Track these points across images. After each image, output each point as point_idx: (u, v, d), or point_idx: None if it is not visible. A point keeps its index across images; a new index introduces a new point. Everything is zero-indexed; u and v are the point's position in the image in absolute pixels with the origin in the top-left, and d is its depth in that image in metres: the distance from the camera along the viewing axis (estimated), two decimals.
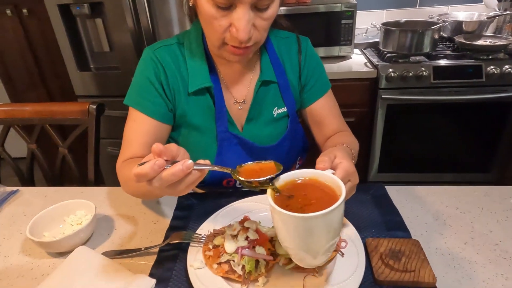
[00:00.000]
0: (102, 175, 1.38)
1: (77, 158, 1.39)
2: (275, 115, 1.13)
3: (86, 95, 2.56)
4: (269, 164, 0.75)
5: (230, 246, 0.80)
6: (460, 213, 0.98)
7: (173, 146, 0.68)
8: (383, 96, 2.29)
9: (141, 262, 0.90)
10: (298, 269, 0.81)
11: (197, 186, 1.20)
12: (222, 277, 0.80)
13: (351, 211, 0.98)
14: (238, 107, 1.11)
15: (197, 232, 0.93)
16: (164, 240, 0.92)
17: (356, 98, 2.39)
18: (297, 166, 1.24)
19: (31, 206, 1.16)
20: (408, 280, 0.76)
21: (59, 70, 2.67)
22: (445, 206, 1.01)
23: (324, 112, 1.18)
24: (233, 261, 0.80)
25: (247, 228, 0.83)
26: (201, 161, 0.68)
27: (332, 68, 2.35)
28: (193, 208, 1.07)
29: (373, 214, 0.97)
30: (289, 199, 0.68)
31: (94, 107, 1.31)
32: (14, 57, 2.74)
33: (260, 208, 1.01)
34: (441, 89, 2.26)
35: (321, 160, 0.74)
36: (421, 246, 0.84)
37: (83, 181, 1.38)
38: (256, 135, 1.10)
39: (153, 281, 0.82)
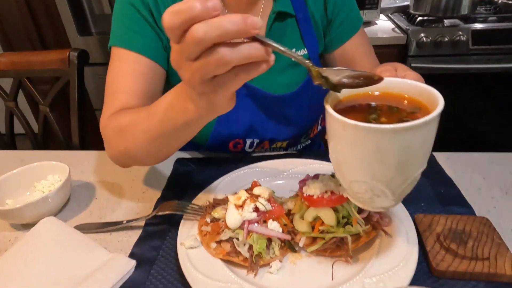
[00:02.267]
0: (89, 138, 1.18)
1: (62, 118, 1.20)
2: (292, 59, 0.89)
3: (90, 63, 2.38)
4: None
5: (233, 219, 0.60)
6: None
7: None
8: (412, 64, 2.04)
9: (122, 239, 0.71)
10: (324, 252, 0.60)
11: (197, 150, 0.99)
12: (222, 260, 0.60)
13: None
14: None
15: (193, 202, 0.73)
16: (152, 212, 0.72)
17: None
18: (319, 127, 1.02)
19: (3, 172, 0.98)
20: (481, 271, 0.54)
21: (61, 37, 2.50)
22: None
23: (357, 54, 0.94)
24: (237, 239, 0.60)
25: (257, 197, 0.63)
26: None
27: None
28: (191, 175, 0.87)
29: (420, 184, 0.75)
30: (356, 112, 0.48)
31: (76, 54, 1.11)
32: (15, 25, 2.58)
33: (275, 175, 0.80)
34: (480, 57, 1.98)
35: (385, 69, 0.54)
36: (493, 226, 0.62)
37: (68, 145, 1.20)
38: (269, 84, 0.88)
39: (132, 262, 0.63)
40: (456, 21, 2.04)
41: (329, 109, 0.46)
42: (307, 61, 0.48)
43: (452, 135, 2.31)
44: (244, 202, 0.61)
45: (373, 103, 0.52)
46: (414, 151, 0.43)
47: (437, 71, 2.03)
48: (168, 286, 0.59)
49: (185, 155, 0.96)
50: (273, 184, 0.77)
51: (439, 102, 0.44)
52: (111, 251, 0.67)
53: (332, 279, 0.57)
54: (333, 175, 0.64)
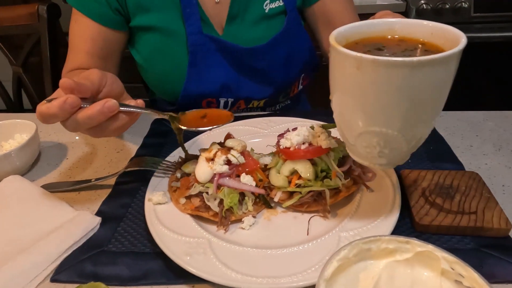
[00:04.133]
0: None
1: (37, 79, 1.13)
2: (266, 11, 0.83)
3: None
4: (217, 111, 0.63)
5: (203, 173, 0.55)
6: None
7: (92, 76, 0.52)
8: None
9: (90, 197, 0.67)
10: (301, 207, 0.56)
11: (169, 110, 0.95)
12: (191, 215, 0.56)
13: None
14: (215, 0, 0.83)
15: (166, 159, 0.69)
16: None
17: None
18: (300, 86, 0.95)
19: None
20: (466, 225, 0.50)
21: None
22: (510, 133, 0.73)
23: (337, 8, 0.88)
24: (207, 193, 0.55)
25: (229, 149, 0.58)
26: (131, 102, 0.55)
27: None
28: (168, 135, 0.82)
29: None
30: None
31: (45, 7, 1.04)
32: None
33: (254, 134, 0.76)
34: (483, 25, 1.90)
35: (385, 14, 0.52)
36: (482, 180, 0.58)
37: None
38: (241, 38, 0.82)
39: (97, 219, 0.59)
40: None
41: (337, 46, 0.40)
42: (165, 114, 0.59)
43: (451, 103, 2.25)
44: (215, 154, 0.57)
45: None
46: (435, 90, 0.39)
47: None
48: (134, 243, 0.55)
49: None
50: (252, 142, 0.72)
51: (461, 40, 0.39)
52: (78, 210, 0.63)
53: (308, 234, 0.53)
54: (312, 127, 0.60)
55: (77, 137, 0.86)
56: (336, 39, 0.42)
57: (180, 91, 0.83)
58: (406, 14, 1.97)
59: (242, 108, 0.91)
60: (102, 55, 0.83)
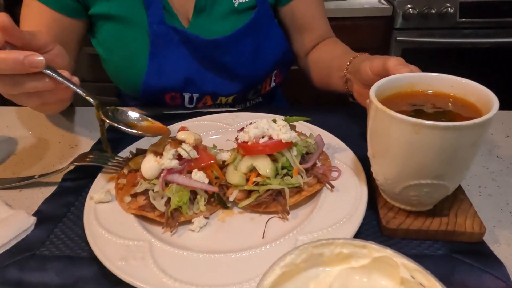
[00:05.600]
0: None
1: None
2: (236, 5, 0.78)
3: None
4: (158, 125, 0.60)
5: (149, 168, 0.50)
6: None
7: (38, 34, 0.48)
8: (398, 38, 1.93)
9: (32, 195, 0.61)
10: (258, 207, 0.51)
11: (132, 105, 0.89)
12: (135, 215, 0.50)
13: (353, 130, 0.69)
14: None
15: (118, 155, 0.63)
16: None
17: (366, 41, 2.02)
18: (273, 83, 0.90)
19: None
20: (437, 229, 0.45)
21: None
22: (489, 133, 0.69)
23: (310, 12, 0.86)
24: (153, 191, 0.50)
25: (180, 142, 0.52)
26: (65, 73, 0.50)
27: (339, 4, 1.98)
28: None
29: None
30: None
31: None
32: None
33: (218, 129, 0.70)
34: (468, 30, 1.89)
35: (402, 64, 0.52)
36: None
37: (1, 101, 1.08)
38: (208, 32, 0.77)
39: (31, 219, 0.53)
40: None
41: (389, 111, 0.41)
42: (94, 98, 0.53)
43: None
44: (164, 148, 0.51)
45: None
46: (478, 142, 0.42)
47: (423, 45, 1.93)
48: (70, 246, 0.49)
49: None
50: (214, 138, 0.67)
51: (494, 104, 0.43)
52: (16, 209, 0.57)
53: (263, 237, 0.47)
54: (274, 120, 0.55)
55: (30, 132, 0.80)
56: (376, 97, 0.45)
57: (141, 85, 0.78)
58: (392, 18, 1.95)
59: (209, 105, 0.86)
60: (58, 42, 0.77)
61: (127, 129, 0.53)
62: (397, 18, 1.93)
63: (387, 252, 0.33)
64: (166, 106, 0.84)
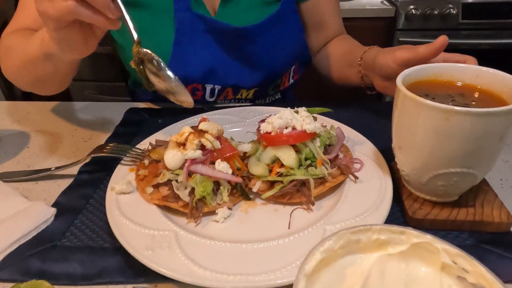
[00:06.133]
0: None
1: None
2: None
3: None
4: None
5: (172, 158, 0.49)
6: None
7: None
8: (400, 39, 1.94)
9: (49, 187, 0.60)
10: (282, 198, 0.50)
11: (147, 99, 0.88)
12: (158, 206, 0.50)
13: (367, 124, 0.70)
14: None
15: (136, 147, 0.62)
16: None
17: (369, 41, 2.00)
18: (291, 79, 0.91)
19: None
20: (464, 219, 0.45)
21: None
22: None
23: (328, 10, 0.88)
24: (177, 181, 0.49)
25: (203, 133, 0.52)
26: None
27: (342, 5, 1.99)
28: (142, 124, 0.76)
29: None
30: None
31: None
32: None
33: (235, 122, 0.70)
34: (471, 32, 1.90)
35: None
36: None
37: (11, 96, 1.07)
38: (235, 22, 0.77)
39: (51, 210, 0.52)
40: None
41: (419, 99, 0.41)
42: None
43: None
44: (187, 138, 0.51)
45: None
46: (510, 130, 0.42)
47: None
48: (92, 237, 0.49)
49: (141, 105, 0.85)
50: (232, 131, 0.66)
51: None
52: (33, 201, 0.56)
53: (289, 227, 0.47)
54: (296, 112, 0.54)
55: (42, 126, 0.79)
56: (403, 84, 0.45)
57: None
58: (395, 19, 1.96)
59: (230, 98, 0.85)
60: None
61: (169, 72, 0.53)
62: (399, 19, 1.94)
63: (427, 238, 0.33)
64: None
